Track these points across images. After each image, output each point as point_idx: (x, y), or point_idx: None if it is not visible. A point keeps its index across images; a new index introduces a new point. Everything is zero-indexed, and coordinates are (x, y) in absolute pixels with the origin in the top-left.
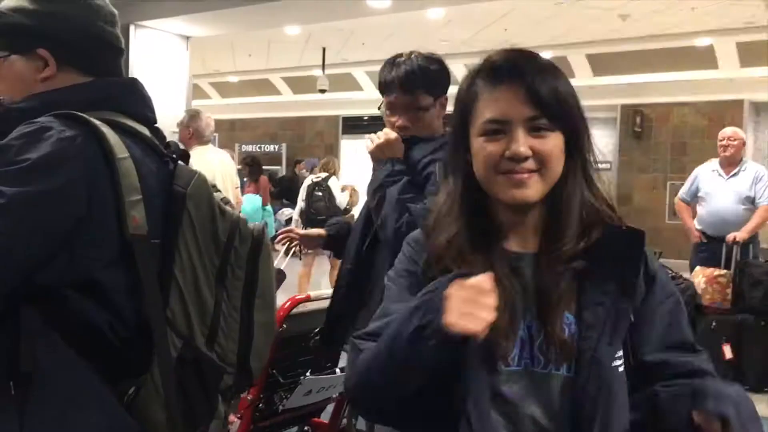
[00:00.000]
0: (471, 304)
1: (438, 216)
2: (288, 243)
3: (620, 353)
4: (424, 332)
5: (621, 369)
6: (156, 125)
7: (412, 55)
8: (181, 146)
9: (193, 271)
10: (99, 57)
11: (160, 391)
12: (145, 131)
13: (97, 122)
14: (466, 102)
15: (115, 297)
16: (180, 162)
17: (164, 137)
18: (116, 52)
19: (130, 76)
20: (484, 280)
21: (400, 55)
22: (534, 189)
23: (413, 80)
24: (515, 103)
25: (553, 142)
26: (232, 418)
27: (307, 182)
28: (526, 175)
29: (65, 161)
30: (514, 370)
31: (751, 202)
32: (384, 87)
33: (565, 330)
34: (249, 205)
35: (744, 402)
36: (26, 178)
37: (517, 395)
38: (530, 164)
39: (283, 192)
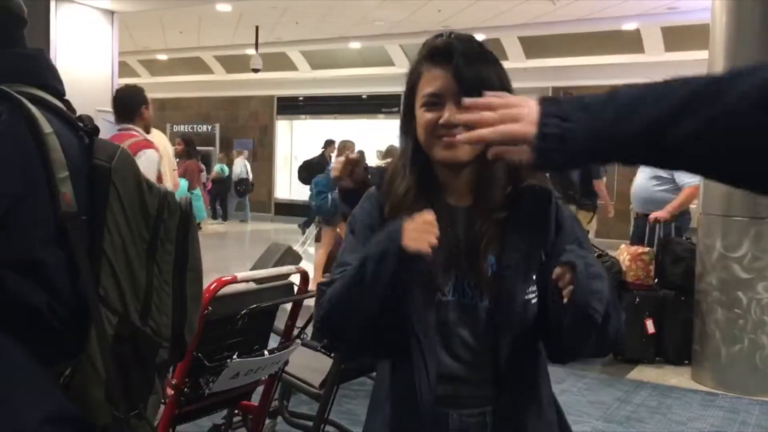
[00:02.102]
0: (420, 232)
1: (394, 173)
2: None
3: (533, 288)
4: (388, 253)
5: (533, 302)
6: (66, 98)
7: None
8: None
9: (123, 247)
10: (1, 28)
11: (98, 370)
12: (59, 104)
13: (18, 96)
14: (413, 79)
15: (54, 277)
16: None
17: (74, 110)
18: (19, 22)
19: (52, 53)
20: (427, 214)
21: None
22: (463, 151)
23: None
24: (446, 81)
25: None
26: (169, 390)
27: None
28: (456, 138)
29: None
30: (449, 300)
31: (665, 181)
32: None
33: (489, 269)
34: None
35: (592, 261)
36: None
37: (451, 321)
38: (459, 130)
39: (314, 176)
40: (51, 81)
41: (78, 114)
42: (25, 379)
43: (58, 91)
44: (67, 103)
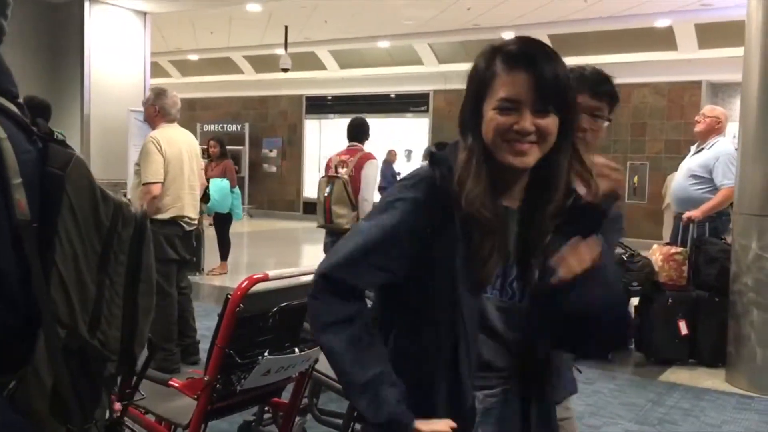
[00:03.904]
0: None
1: (464, 170)
2: None
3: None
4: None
5: None
6: (20, 100)
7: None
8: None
9: (74, 258)
10: None
11: (44, 383)
12: (12, 107)
13: None
14: (484, 78)
15: (9, 287)
16: (52, 143)
17: (28, 114)
18: None
19: (86, 54)
20: (445, 425)
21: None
22: (533, 157)
23: None
24: (526, 87)
25: (552, 121)
26: (117, 405)
27: None
28: (527, 146)
29: None
30: (490, 297)
31: (703, 181)
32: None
33: (536, 274)
34: (215, 190)
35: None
36: None
37: (488, 315)
38: (532, 137)
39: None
40: (2, 82)
41: (35, 119)
42: None
43: (11, 92)
44: (21, 107)
